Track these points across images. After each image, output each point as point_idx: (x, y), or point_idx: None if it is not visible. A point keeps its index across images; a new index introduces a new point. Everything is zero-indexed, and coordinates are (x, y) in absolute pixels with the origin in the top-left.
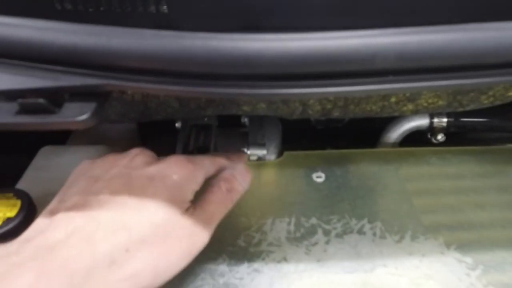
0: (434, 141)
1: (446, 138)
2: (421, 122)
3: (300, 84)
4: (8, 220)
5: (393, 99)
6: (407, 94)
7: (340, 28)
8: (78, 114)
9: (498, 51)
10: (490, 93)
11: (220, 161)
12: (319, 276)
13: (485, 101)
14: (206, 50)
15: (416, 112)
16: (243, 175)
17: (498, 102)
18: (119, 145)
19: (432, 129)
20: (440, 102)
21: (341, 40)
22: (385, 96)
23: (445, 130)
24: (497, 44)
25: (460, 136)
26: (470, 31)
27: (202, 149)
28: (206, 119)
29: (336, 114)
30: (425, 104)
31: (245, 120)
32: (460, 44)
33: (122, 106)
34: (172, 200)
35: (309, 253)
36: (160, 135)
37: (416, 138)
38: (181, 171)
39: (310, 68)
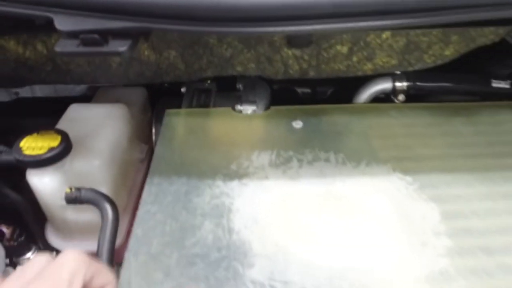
0: (396, 101)
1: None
2: (386, 85)
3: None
4: (52, 148)
5: (355, 58)
6: (365, 53)
7: None
8: (119, 46)
9: None
10: (430, 52)
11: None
12: (291, 187)
13: (429, 60)
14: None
15: (375, 71)
16: None
17: (440, 62)
18: (133, 105)
19: (394, 92)
20: (393, 61)
21: None
22: (348, 55)
23: (405, 92)
24: None
25: (421, 99)
26: None
27: (203, 106)
28: (207, 84)
29: (312, 73)
30: (381, 63)
31: (240, 86)
32: None
33: (140, 65)
34: None
35: (285, 174)
36: (166, 97)
37: (382, 101)
38: None
39: (267, 13)
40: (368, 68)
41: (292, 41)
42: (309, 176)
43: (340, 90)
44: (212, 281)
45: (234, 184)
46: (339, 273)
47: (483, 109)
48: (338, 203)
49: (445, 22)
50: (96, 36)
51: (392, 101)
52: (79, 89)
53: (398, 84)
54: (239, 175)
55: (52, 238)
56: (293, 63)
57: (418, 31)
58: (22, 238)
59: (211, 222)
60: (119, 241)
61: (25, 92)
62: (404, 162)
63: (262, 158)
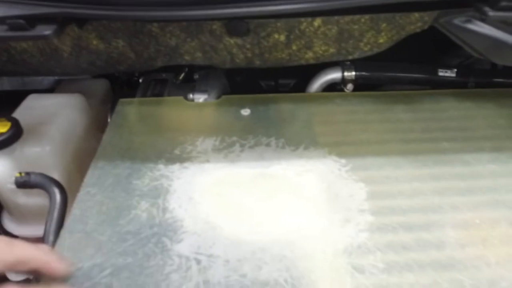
0: (345, 90)
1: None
2: (335, 75)
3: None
4: (1, 134)
5: (294, 47)
6: (303, 42)
7: None
8: (44, 30)
9: None
10: (365, 40)
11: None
12: (230, 170)
13: (365, 48)
14: None
15: (317, 60)
16: None
17: (376, 50)
18: (94, 97)
19: (344, 81)
20: (331, 50)
21: None
22: (287, 44)
23: (354, 81)
24: None
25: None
26: None
27: (157, 96)
28: (164, 75)
29: (257, 62)
30: (321, 52)
31: (197, 76)
32: None
33: (90, 54)
34: None
35: (226, 157)
36: (126, 89)
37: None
38: None
39: None
40: (309, 56)
41: (230, 29)
42: (248, 159)
43: (302, 82)
44: (140, 255)
45: (175, 167)
46: (263, 246)
47: (426, 97)
48: (271, 183)
49: (357, 5)
50: (22, 21)
51: (341, 90)
52: (47, 82)
53: (346, 73)
54: (182, 159)
55: (7, 223)
56: (237, 52)
57: (347, 18)
58: None
59: (147, 202)
60: None
61: None
62: (341, 146)
63: (206, 143)
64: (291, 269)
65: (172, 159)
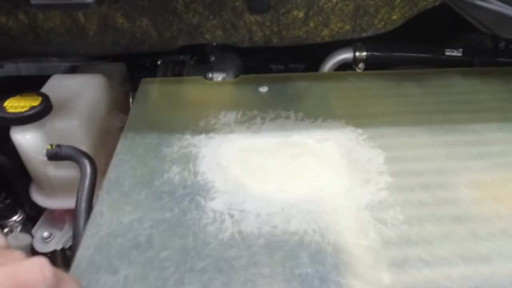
0: (357, 70)
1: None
2: (347, 55)
3: None
4: (33, 107)
5: (311, 24)
6: (320, 19)
7: None
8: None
9: None
10: (379, 16)
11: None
12: (254, 139)
13: (379, 25)
14: None
15: (332, 38)
16: None
17: (390, 27)
18: (113, 78)
19: (355, 61)
20: (347, 27)
21: None
22: (305, 21)
23: (365, 61)
24: None
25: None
26: None
27: (177, 76)
28: (181, 57)
29: (275, 40)
30: (337, 29)
31: (213, 58)
32: None
33: (115, 33)
34: None
35: (249, 129)
36: (145, 71)
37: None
38: None
39: None
40: (325, 34)
41: (253, 5)
42: (270, 130)
43: (311, 67)
44: (177, 211)
45: (202, 137)
46: (291, 203)
47: (434, 75)
48: (293, 150)
49: None
50: None
51: (353, 70)
52: (63, 67)
53: (358, 53)
54: (207, 130)
55: (37, 196)
56: (256, 29)
57: None
58: (9, 201)
59: (178, 167)
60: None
61: (11, 71)
62: (358, 118)
63: (229, 117)
64: (318, 221)
65: (198, 130)
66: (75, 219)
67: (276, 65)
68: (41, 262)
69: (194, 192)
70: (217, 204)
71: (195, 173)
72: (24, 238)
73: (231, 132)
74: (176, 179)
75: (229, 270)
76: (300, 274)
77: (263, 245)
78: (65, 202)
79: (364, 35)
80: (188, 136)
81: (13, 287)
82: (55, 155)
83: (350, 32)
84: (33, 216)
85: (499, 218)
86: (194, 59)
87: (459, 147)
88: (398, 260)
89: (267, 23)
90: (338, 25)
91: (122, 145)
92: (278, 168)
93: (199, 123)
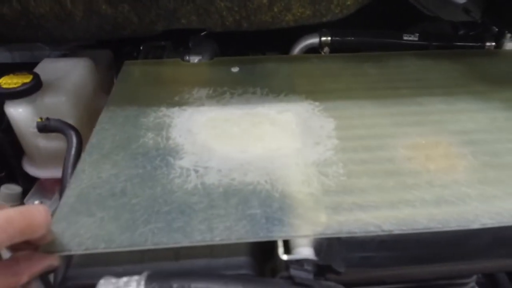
0: (322, 53)
1: None
2: (314, 40)
3: None
4: (25, 83)
5: (276, 9)
6: (283, 4)
7: None
8: None
9: None
10: (335, 2)
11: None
12: (222, 111)
13: (336, 10)
14: None
15: (296, 23)
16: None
17: (346, 12)
18: (99, 64)
19: (320, 45)
20: (307, 12)
21: None
22: (269, 6)
23: (329, 45)
24: None
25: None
26: None
27: (157, 58)
28: (162, 42)
29: (245, 25)
30: (299, 14)
31: (191, 44)
32: None
33: (99, 19)
34: None
35: (218, 102)
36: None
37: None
38: None
39: None
40: (289, 19)
41: None
42: (237, 103)
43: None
44: (149, 168)
45: (175, 109)
46: (249, 161)
47: (391, 57)
48: (256, 119)
49: None
50: None
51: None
52: (53, 56)
53: (323, 38)
54: (180, 103)
55: (28, 167)
56: (227, 14)
57: None
58: (2, 174)
59: (152, 133)
60: None
61: (5, 58)
62: (316, 93)
63: (201, 92)
64: (270, 174)
65: (173, 104)
66: (61, 183)
67: (254, 53)
68: (46, 208)
69: (165, 153)
70: (184, 162)
71: (167, 138)
72: (15, 188)
73: (202, 105)
74: (150, 143)
75: (190, 212)
76: (250, 214)
77: (221, 193)
78: (54, 172)
79: (324, 20)
80: (163, 109)
81: (23, 224)
82: (44, 127)
83: (311, 17)
84: (26, 189)
85: (427, 172)
86: (173, 45)
87: (403, 117)
88: (334, 204)
89: (236, 8)
90: (300, 10)
91: (104, 116)
92: (241, 134)
93: (174, 98)
